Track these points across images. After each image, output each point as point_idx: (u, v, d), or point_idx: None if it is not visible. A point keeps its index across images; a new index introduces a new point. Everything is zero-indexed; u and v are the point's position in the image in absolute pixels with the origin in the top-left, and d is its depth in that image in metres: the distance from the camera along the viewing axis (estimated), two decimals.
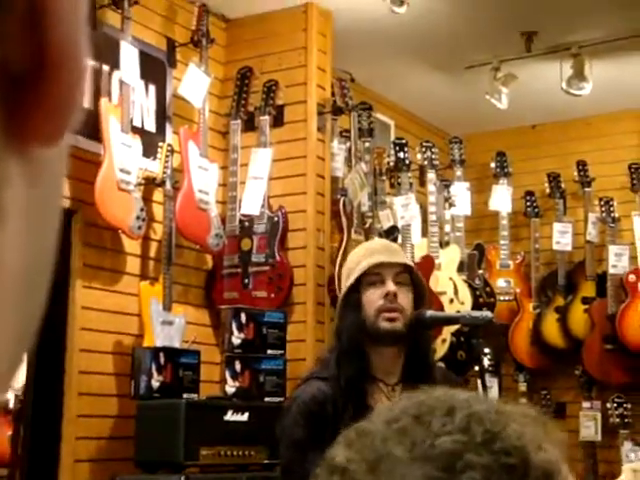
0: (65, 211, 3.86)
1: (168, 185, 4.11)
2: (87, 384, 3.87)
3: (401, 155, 5.25)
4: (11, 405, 4.62)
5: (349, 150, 4.80)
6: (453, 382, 2.62)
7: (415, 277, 2.46)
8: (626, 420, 5.39)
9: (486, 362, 5.54)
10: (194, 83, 4.32)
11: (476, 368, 4.65)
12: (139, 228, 3.96)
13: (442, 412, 0.69)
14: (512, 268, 5.94)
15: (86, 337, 3.89)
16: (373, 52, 5.20)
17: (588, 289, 5.72)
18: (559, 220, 5.89)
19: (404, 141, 5.34)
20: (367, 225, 4.75)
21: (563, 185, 5.98)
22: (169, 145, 4.19)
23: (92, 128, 3.92)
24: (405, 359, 2.43)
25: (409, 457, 0.66)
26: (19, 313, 0.35)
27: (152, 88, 4.33)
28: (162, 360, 3.84)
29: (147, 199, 4.14)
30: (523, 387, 5.84)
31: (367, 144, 4.94)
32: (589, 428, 5.59)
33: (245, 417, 3.82)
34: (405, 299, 2.40)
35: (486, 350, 5.54)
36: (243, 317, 4.06)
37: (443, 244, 5.36)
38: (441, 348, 4.85)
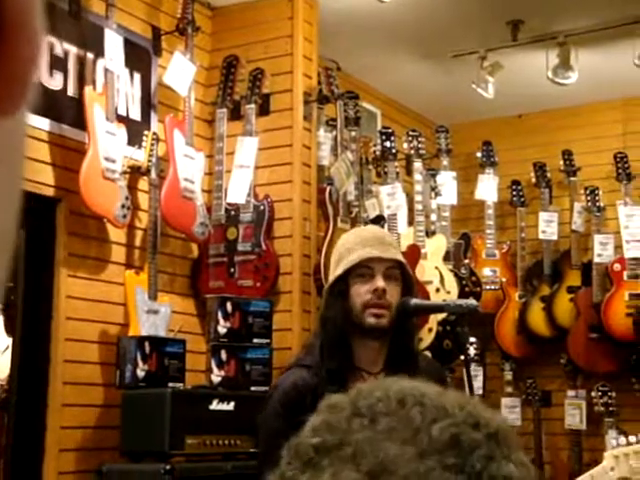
0: (50, 200, 3.85)
1: (153, 174, 4.10)
2: (72, 373, 3.86)
3: (387, 144, 5.24)
4: None
5: (335, 139, 4.79)
6: (437, 371, 2.62)
7: (405, 272, 2.45)
8: (611, 408, 5.42)
9: (472, 351, 5.56)
10: (179, 71, 4.31)
11: (462, 357, 4.66)
12: (124, 217, 3.95)
13: (414, 402, 0.70)
14: (498, 257, 5.95)
15: (71, 326, 3.88)
16: (359, 41, 5.19)
17: (574, 278, 5.74)
18: (545, 209, 5.91)
19: (390, 130, 5.34)
20: (353, 214, 4.75)
21: (549, 174, 6.00)
22: (154, 134, 4.17)
23: (76, 116, 3.91)
24: (389, 348, 2.43)
25: (415, 453, 0.66)
26: None
27: (137, 76, 4.31)
28: (147, 349, 3.84)
29: (132, 188, 4.13)
30: (509, 376, 5.87)
31: (353, 133, 4.93)
32: (574, 416, 5.62)
33: (231, 406, 3.82)
34: (393, 295, 2.39)
35: (472, 339, 5.56)
36: (229, 306, 4.06)
37: (429, 233, 5.36)
38: (428, 337, 4.86)
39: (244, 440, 3.79)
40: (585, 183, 5.89)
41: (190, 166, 4.28)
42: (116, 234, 4.10)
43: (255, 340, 4.10)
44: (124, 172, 4.01)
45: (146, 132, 4.17)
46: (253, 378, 4.02)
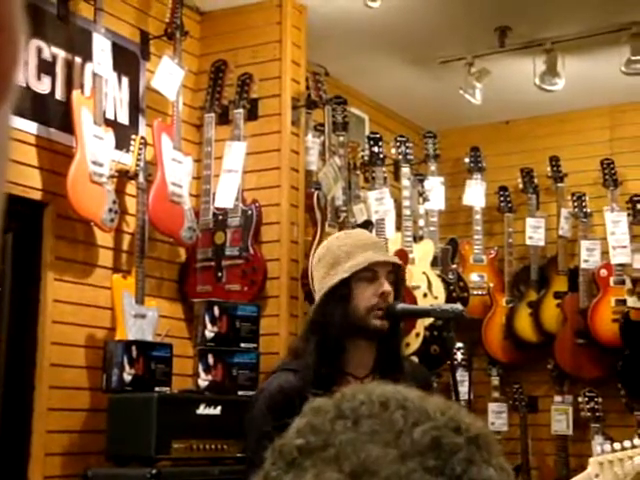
0: (37, 203, 3.84)
1: (141, 178, 4.10)
2: (58, 377, 3.85)
3: (375, 149, 5.26)
4: None
5: (323, 144, 4.80)
6: (423, 375, 2.62)
7: (399, 277, 2.47)
8: (597, 414, 5.43)
9: (459, 356, 5.58)
10: (168, 76, 4.31)
11: (448, 362, 4.67)
12: (111, 221, 3.95)
13: (396, 405, 0.71)
14: (485, 263, 5.97)
15: (58, 330, 3.87)
16: (348, 46, 5.21)
17: (560, 284, 5.76)
18: (532, 215, 5.93)
19: (378, 135, 5.35)
20: (341, 219, 4.76)
21: (536, 180, 6.02)
22: (142, 138, 4.17)
23: (64, 120, 3.90)
24: (377, 352, 2.43)
25: (397, 455, 0.67)
26: None
27: (125, 80, 4.31)
28: (134, 353, 3.83)
29: (120, 192, 4.13)
30: (496, 381, 5.88)
31: (341, 138, 4.95)
32: (561, 422, 5.63)
33: (218, 411, 3.81)
34: (391, 298, 2.42)
35: (459, 344, 5.57)
36: (216, 310, 4.06)
37: (417, 238, 5.37)
38: (415, 342, 4.87)
39: (231, 444, 3.79)
40: (572, 189, 5.91)
41: (178, 170, 4.28)
42: (103, 238, 4.09)
43: (242, 344, 4.10)
44: (112, 176, 4.01)
45: (134, 136, 4.17)
46: (240, 382, 4.02)
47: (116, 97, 4.24)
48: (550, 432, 5.66)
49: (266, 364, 4.04)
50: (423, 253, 5.28)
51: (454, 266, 5.62)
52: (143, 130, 4.32)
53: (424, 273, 5.19)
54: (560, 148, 6.08)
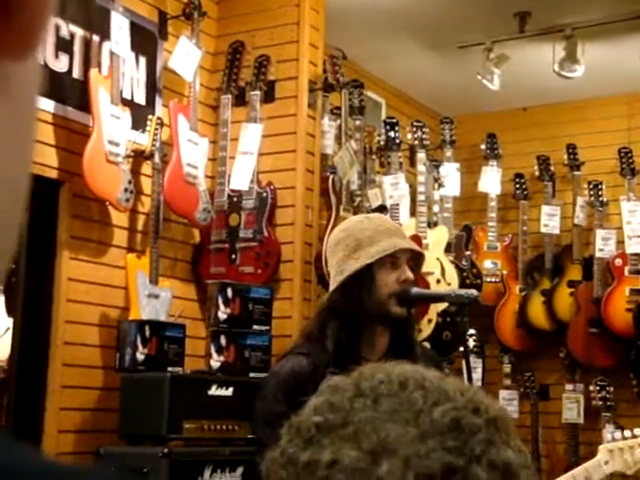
0: (53, 182, 3.85)
1: (157, 158, 4.10)
2: (72, 356, 3.87)
3: (391, 134, 5.24)
4: None
5: (339, 127, 4.78)
6: (434, 360, 2.62)
7: (416, 264, 2.47)
8: (608, 403, 5.43)
9: (471, 343, 5.57)
10: (185, 56, 4.30)
11: (461, 349, 4.67)
12: (127, 200, 3.95)
13: (415, 385, 0.71)
14: (499, 250, 5.95)
15: (72, 309, 3.88)
16: (366, 30, 5.18)
17: (574, 272, 5.74)
18: (547, 203, 5.90)
19: (395, 120, 5.34)
20: (356, 203, 4.75)
21: (552, 168, 5.99)
22: (158, 118, 4.17)
23: (81, 99, 3.90)
24: (391, 336, 2.43)
25: (416, 434, 0.67)
26: None
27: (142, 60, 4.30)
28: (147, 333, 3.84)
29: (135, 172, 4.13)
30: (507, 369, 5.87)
31: (358, 122, 4.93)
32: (572, 410, 5.63)
33: (229, 392, 3.82)
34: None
35: (471, 331, 5.56)
36: (229, 292, 4.06)
37: (431, 224, 5.36)
38: (427, 328, 4.87)
39: (242, 426, 3.80)
40: (589, 177, 5.88)
41: (194, 151, 4.28)
42: (118, 218, 4.10)
43: (255, 327, 4.11)
44: (127, 156, 4.01)
45: (150, 116, 4.16)
46: (252, 364, 4.03)
47: (133, 77, 4.24)
48: (561, 420, 5.66)
49: (278, 347, 4.04)
50: (437, 239, 5.27)
51: (468, 253, 5.61)
52: (159, 110, 4.32)
53: (438, 259, 5.18)
54: (577, 136, 6.05)
